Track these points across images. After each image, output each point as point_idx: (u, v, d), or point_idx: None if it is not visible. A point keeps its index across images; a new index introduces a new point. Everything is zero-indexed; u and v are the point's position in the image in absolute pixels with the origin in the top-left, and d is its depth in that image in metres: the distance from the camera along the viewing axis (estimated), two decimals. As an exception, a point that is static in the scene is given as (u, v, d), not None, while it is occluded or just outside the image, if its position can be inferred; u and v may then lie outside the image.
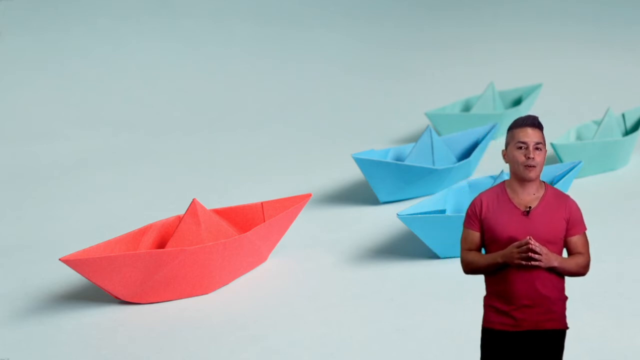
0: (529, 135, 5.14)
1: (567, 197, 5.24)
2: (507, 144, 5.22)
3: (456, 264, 9.82)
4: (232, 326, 8.54)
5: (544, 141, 5.19)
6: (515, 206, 5.18)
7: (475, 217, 5.25)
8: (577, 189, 12.69)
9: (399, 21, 25.88)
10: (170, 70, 21.03)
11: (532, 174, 5.14)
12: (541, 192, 5.21)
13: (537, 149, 5.14)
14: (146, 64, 21.00)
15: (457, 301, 8.88)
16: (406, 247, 10.61)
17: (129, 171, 15.02)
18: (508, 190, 5.23)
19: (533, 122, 5.17)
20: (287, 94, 20.55)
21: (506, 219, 5.16)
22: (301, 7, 25.27)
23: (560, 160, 13.10)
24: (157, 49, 21.61)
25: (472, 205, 5.28)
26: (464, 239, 5.30)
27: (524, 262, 5.04)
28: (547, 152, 15.00)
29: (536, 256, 5.02)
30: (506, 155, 5.22)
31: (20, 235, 11.87)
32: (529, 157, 5.12)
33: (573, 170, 11.27)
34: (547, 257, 5.05)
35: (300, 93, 20.59)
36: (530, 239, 5.02)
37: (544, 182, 5.30)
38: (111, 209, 12.91)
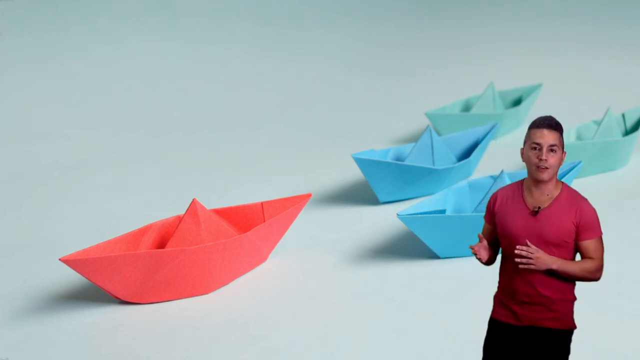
0: (545, 136, 5.15)
1: (583, 200, 5.22)
2: (524, 143, 5.26)
3: (456, 264, 9.83)
4: (232, 326, 8.54)
5: (561, 143, 5.18)
6: (526, 205, 5.22)
7: (489, 210, 5.37)
8: (577, 189, 12.69)
9: (399, 21, 25.88)
10: (170, 70, 21.03)
11: (544, 175, 5.17)
12: (555, 193, 5.24)
13: (551, 150, 5.15)
14: (146, 64, 21.00)
15: (457, 301, 8.88)
16: (406, 247, 10.61)
17: (129, 171, 15.02)
18: (524, 189, 5.28)
19: (550, 124, 5.17)
20: (287, 94, 20.55)
21: (514, 216, 5.21)
22: (301, 7, 25.27)
23: (561, 160, 13.10)
24: (157, 49, 21.61)
25: (490, 199, 5.40)
26: (483, 231, 5.46)
27: (517, 261, 5.09)
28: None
29: (524, 260, 5.04)
30: (523, 154, 5.26)
31: (20, 235, 11.88)
32: (541, 159, 5.14)
33: (573, 170, 11.27)
34: (541, 260, 5.05)
35: (300, 93, 20.59)
36: (525, 245, 5.07)
37: (563, 182, 5.30)
38: (111, 209, 12.91)
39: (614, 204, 11.97)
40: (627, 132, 15.05)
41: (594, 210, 5.22)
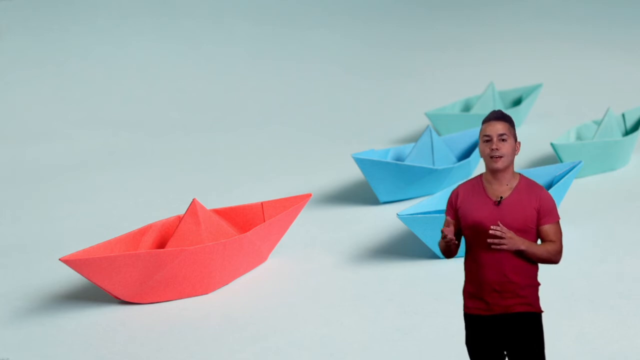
0: (494, 127, 5.37)
1: (540, 187, 5.45)
2: (479, 139, 5.40)
3: (456, 264, 9.83)
4: (232, 326, 8.55)
5: (511, 132, 5.40)
6: (488, 196, 5.41)
7: (451, 206, 5.53)
8: (577, 189, 12.69)
9: (399, 21, 25.88)
10: (170, 70, 21.04)
11: (498, 164, 5.35)
12: (514, 183, 5.44)
13: (502, 140, 5.35)
14: (146, 64, 21.01)
15: (457, 301, 8.88)
16: (406, 247, 10.61)
17: (129, 171, 15.02)
18: (484, 182, 5.48)
19: (497, 116, 5.41)
20: (287, 94, 20.56)
21: (478, 208, 5.40)
22: (301, 7, 25.27)
23: (560, 160, 13.10)
24: (157, 49, 21.61)
25: (451, 195, 5.58)
26: (444, 226, 5.59)
27: (490, 243, 5.26)
28: (547, 152, 15.05)
29: (496, 240, 5.20)
30: (480, 149, 5.48)
31: (20, 235, 11.88)
32: (492, 149, 5.33)
33: (573, 170, 11.27)
34: (512, 240, 5.22)
35: (300, 93, 20.60)
36: (497, 226, 5.25)
37: (519, 173, 5.52)
38: (111, 209, 12.91)
39: (614, 204, 11.97)
40: (627, 132, 15.05)
41: (551, 196, 5.44)
